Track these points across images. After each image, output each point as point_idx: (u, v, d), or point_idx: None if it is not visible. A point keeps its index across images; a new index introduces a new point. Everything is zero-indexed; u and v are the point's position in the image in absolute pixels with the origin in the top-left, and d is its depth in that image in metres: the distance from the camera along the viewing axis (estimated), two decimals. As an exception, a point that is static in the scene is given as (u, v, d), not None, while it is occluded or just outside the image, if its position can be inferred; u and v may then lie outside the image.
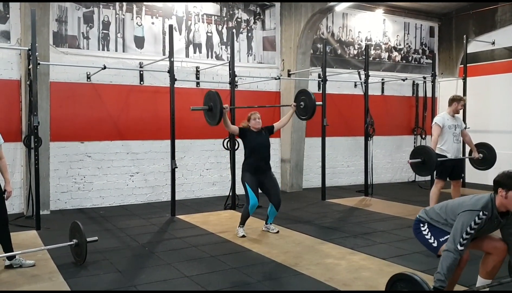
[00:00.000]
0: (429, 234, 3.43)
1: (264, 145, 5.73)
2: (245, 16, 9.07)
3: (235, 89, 7.57)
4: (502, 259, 3.35)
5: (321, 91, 8.59)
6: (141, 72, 7.95)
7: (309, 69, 9.32)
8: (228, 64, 7.70)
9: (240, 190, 6.26)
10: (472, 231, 3.07)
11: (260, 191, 5.74)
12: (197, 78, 8.46)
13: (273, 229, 5.88)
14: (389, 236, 5.73)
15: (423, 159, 6.02)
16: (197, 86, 8.50)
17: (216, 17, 8.76)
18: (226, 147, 7.71)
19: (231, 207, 7.49)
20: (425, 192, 8.71)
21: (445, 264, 3.03)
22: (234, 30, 8.19)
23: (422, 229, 3.50)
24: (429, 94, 10.67)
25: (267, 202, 5.90)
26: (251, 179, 5.61)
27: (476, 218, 3.08)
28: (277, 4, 9.36)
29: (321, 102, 6.44)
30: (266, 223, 5.95)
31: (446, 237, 3.27)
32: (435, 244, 3.38)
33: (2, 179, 4.37)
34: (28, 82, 6.60)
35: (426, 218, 3.51)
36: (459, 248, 3.05)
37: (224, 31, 8.82)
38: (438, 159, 5.97)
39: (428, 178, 9.09)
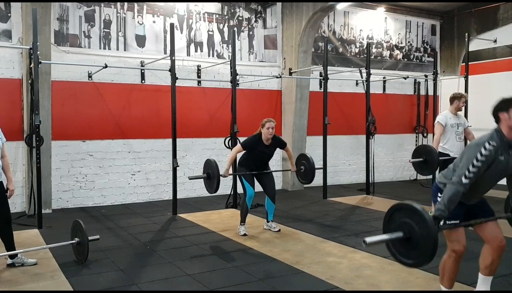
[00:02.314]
0: None
1: (267, 156, 5.79)
2: (246, 15, 9.06)
3: (237, 88, 7.56)
4: (499, 253, 3.24)
5: (322, 90, 8.59)
6: (143, 71, 7.96)
7: (310, 67, 9.31)
8: (229, 62, 7.70)
9: (241, 189, 6.25)
10: (479, 163, 2.86)
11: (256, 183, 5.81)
12: (198, 77, 8.46)
13: (274, 227, 5.89)
14: (391, 234, 5.72)
15: (425, 158, 6.02)
16: (198, 85, 8.50)
17: (217, 16, 8.75)
18: (227, 145, 7.71)
19: (232, 205, 7.50)
20: (427, 190, 8.70)
21: (446, 195, 2.89)
22: (235, 29, 8.19)
23: (440, 195, 3.25)
24: (430, 93, 10.65)
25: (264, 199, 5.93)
26: (246, 173, 5.69)
27: (483, 150, 2.87)
28: (279, 3, 9.35)
29: (321, 167, 6.45)
30: (267, 221, 5.96)
31: (454, 221, 3.10)
32: (441, 222, 3.15)
33: (5, 178, 4.38)
34: (29, 81, 6.61)
35: (445, 182, 3.22)
36: (464, 180, 2.87)
37: (226, 29, 8.82)
38: (440, 158, 5.96)
39: (430, 176, 9.09)
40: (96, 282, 4.07)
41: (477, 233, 3.28)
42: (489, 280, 3.37)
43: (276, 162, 8.96)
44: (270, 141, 5.64)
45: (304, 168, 6.10)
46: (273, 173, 5.94)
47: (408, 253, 2.76)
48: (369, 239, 2.72)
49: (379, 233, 5.75)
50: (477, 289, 3.44)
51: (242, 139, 7.45)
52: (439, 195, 3.25)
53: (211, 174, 5.51)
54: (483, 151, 2.88)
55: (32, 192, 6.75)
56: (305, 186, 9.44)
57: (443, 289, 3.31)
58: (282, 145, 5.84)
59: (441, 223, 3.14)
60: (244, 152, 5.73)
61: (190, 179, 5.80)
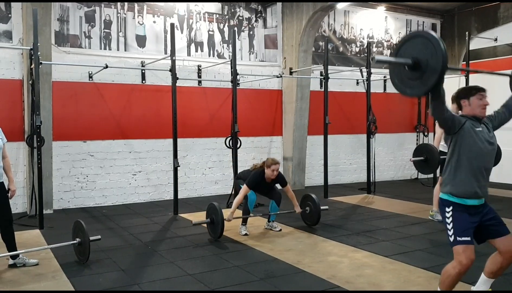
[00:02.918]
0: (451, 223, 3.16)
1: (267, 190, 5.82)
2: (246, 15, 9.06)
3: (237, 87, 7.57)
4: (509, 262, 3.25)
5: (323, 89, 8.59)
6: (143, 71, 7.96)
7: (311, 67, 9.31)
8: (229, 62, 7.70)
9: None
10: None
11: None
12: (199, 77, 8.46)
13: (275, 227, 5.89)
14: (392, 233, 5.72)
15: (426, 157, 6.01)
16: (199, 85, 8.51)
17: (217, 16, 8.75)
18: (228, 145, 7.70)
19: (233, 205, 7.50)
20: (428, 189, 8.71)
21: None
22: (235, 29, 8.18)
23: (447, 210, 3.19)
24: (431, 92, 10.63)
25: (267, 199, 5.94)
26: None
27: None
28: (279, 3, 9.35)
29: (327, 207, 6.41)
30: (269, 221, 5.96)
31: (465, 238, 3.09)
32: (451, 238, 3.14)
33: (6, 178, 4.39)
34: (30, 82, 6.61)
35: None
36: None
37: (226, 29, 8.82)
38: (441, 157, 5.96)
39: (431, 175, 9.09)
40: (97, 282, 4.07)
41: (489, 242, 3.28)
42: (491, 282, 3.39)
43: (277, 156, 8.94)
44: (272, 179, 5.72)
45: (309, 209, 6.05)
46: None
47: (417, 78, 2.91)
48: (378, 57, 2.87)
49: (380, 232, 5.76)
50: (476, 287, 3.44)
51: (242, 139, 7.51)
52: (447, 209, 3.21)
53: (214, 219, 5.44)
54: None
55: (33, 193, 6.75)
56: (306, 185, 9.46)
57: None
58: (283, 184, 5.86)
59: (452, 240, 3.14)
60: (244, 170, 5.94)
61: (194, 224, 5.75)
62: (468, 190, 3.14)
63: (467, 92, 3.31)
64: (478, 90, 3.25)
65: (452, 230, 3.15)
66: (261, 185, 5.71)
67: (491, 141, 3.22)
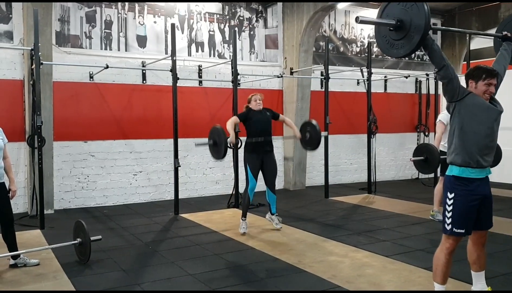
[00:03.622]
0: (451, 211, 3.17)
1: (264, 120, 5.76)
2: (247, 15, 9.06)
3: (238, 87, 7.57)
4: (480, 247, 3.33)
5: (323, 89, 8.60)
6: (144, 71, 7.97)
7: (311, 67, 9.31)
8: (230, 62, 7.71)
9: (243, 188, 6.26)
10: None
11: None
12: (200, 77, 8.47)
13: (276, 223, 5.88)
14: (392, 233, 5.72)
15: (426, 157, 6.01)
16: (199, 85, 8.51)
17: (218, 16, 8.76)
18: (229, 145, 7.68)
19: (234, 205, 7.50)
20: (429, 189, 8.70)
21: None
22: (236, 29, 8.18)
23: (449, 196, 3.19)
24: (432, 92, 10.66)
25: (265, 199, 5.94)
26: (253, 162, 5.69)
27: None
28: (279, 3, 9.35)
29: (326, 133, 6.42)
30: (271, 213, 5.94)
31: (460, 231, 3.13)
32: (448, 227, 3.17)
33: (7, 179, 4.39)
34: (31, 82, 6.62)
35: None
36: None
37: (227, 29, 8.82)
38: (442, 157, 5.95)
39: (432, 175, 9.09)
40: (98, 282, 4.08)
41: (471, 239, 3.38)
42: (482, 275, 3.40)
43: (278, 161, 8.94)
44: (261, 109, 5.75)
45: (309, 134, 6.02)
46: (276, 161, 5.90)
47: (403, 37, 3.00)
48: (362, 17, 2.93)
49: (381, 231, 5.76)
50: (474, 286, 3.44)
51: (243, 139, 7.46)
52: (449, 195, 3.20)
53: (217, 141, 5.44)
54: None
55: (34, 193, 6.76)
56: (307, 185, 9.47)
57: (436, 286, 3.29)
58: (275, 116, 5.89)
59: (448, 229, 3.18)
60: (247, 138, 5.78)
61: (196, 145, 5.75)
62: (472, 158, 3.13)
63: (478, 75, 3.23)
64: (488, 76, 3.19)
65: (450, 219, 3.17)
66: (253, 115, 5.69)
67: (497, 109, 3.24)
